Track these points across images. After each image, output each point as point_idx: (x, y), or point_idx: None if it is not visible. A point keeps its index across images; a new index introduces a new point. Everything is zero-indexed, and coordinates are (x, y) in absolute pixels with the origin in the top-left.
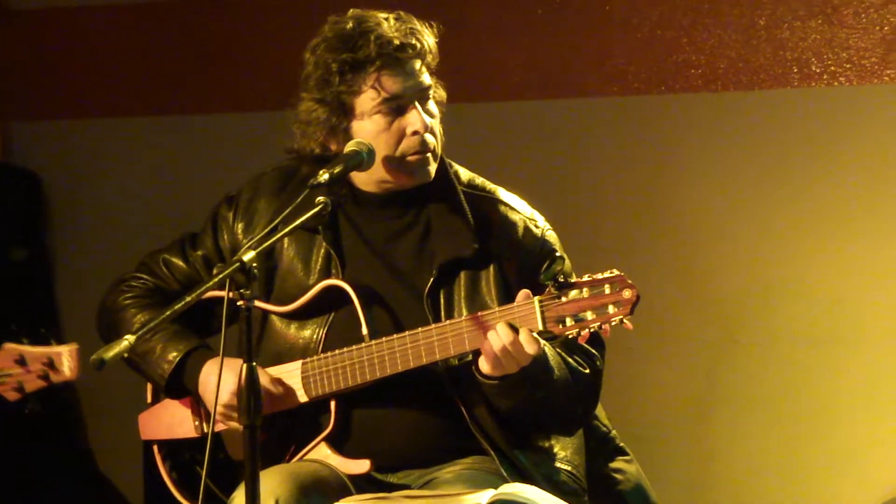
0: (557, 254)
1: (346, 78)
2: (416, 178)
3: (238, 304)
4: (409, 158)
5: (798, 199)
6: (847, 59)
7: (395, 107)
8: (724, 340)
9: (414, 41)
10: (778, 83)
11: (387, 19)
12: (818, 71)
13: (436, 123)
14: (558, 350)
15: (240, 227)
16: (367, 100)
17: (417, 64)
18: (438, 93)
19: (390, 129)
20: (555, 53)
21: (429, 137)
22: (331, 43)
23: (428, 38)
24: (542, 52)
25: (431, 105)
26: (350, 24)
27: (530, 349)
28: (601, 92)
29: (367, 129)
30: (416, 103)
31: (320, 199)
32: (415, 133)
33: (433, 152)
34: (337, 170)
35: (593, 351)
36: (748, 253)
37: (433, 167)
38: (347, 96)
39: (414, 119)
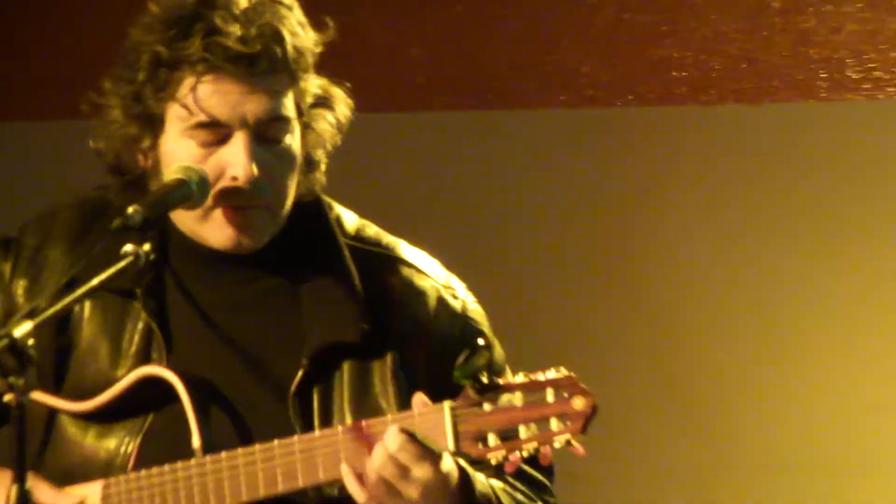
0: (481, 340)
1: (157, 76)
2: (224, 243)
3: (4, 398)
4: (219, 211)
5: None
6: None
7: (216, 134)
8: (718, 467)
9: (261, 47)
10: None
11: (238, 8)
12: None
13: (281, 168)
14: (505, 480)
15: (20, 286)
16: (175, 115)
17: (266, 81)
18: (317, 123)
19: (206, 161)
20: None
21: (258, 186)
22: (155, 20)
23: (297, 40)
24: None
25: (286, 142)
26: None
27: (424, 472)
28: (545, 103)
29: (176, 154)
30: (245, 134)
31: (128, 248)
32: (234, 178)
33: (268, 209)
34: (153, 206)
35: (542, 479)
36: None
37: (263, 231)
38: (154, 102)
39: (235, 156)
